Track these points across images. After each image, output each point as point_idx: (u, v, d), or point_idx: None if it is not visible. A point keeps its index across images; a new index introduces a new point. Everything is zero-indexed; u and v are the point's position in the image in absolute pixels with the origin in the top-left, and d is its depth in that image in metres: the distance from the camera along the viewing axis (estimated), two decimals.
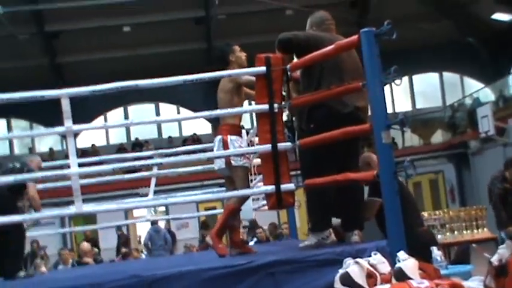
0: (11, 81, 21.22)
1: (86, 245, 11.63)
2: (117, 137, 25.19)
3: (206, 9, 22.71)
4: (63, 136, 23.75)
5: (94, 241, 16.09)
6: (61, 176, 5.28)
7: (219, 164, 5.47)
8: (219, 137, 5.44)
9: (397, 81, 4.20)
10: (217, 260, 4.94)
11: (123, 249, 14.77)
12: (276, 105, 4.88)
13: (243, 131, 7.65)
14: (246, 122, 23.17)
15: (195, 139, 23.48)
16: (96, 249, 14.92)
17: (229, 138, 5.37)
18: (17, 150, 25.16)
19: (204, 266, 4.31)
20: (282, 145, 4.88)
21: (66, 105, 4.78)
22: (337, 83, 4.72)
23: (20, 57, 22.50)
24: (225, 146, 5.34)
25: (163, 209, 20.01)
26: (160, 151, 9.30)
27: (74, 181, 4.80)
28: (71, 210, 5.01)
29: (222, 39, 22.96)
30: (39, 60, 23.32)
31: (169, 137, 24.63)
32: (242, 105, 5.56)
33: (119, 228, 16.96)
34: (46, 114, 21.34)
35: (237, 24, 22.77)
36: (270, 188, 4.88)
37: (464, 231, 8.97)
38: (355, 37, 4.36)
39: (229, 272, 4.16)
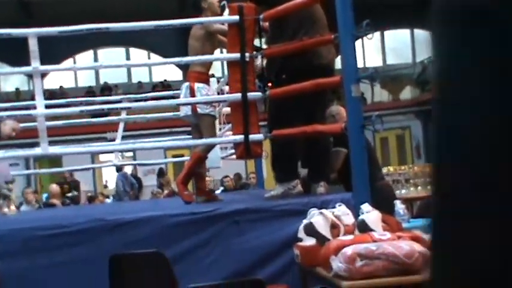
0: None
1: (54, 187, 11.63)
2: (86, 80, 24.89)
3: None
4: (30, 76, 23.51)
5: (74, 184, 15.84)
6: (27, 116, 5.22)
7: (185, 111, 5.45)
8: (186, 84, 5.41)
9: (369, 36, 4.20)
10: (182, 207, 4.96)
11: (88, 194, 14.75)
12: (247, 54, 4.85)
13: (214, 79, 7.63)
14: (217, 70, 23.14)
15: (165, 85, 23.32)
16: (75, 192, 14.79)
17: (197, 85, 5.33)
18: None
19: (169, 212, 4.34)
20: (251, 95, 4.88)
21: (33, 45, 4.70)
22: (312, 35, 4.71)
23: None
24: (192, 93, 5.31)
25: (130, 154, 19.95)
26: (129, 96, 9.22)
27: (40, 122, 4.75)
28: (37, 151, 4.97)
29: None
30: None
31: (139, 82, 24.41)
32: (213, 53, 5.52)
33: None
34: (12, 52, 21.03)
35: None
36: (239, 137, 4.88)
37: (428, 187, 9.10)
38: None
39: (194, 218, 4.19)
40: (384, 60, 26.45)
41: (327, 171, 5.17)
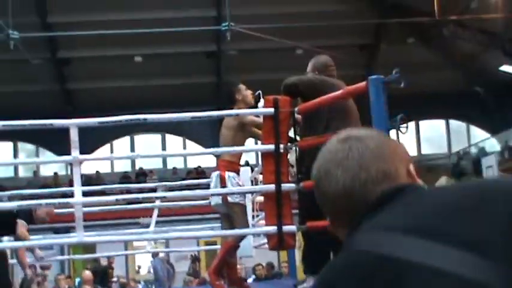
0: (22, 104, 21.43)
1: (87, 274, 11.68)
2: (122, 165, 25.25)
3: (218, 44, 22.93)
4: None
5: (105, 269, 15.85)
6: (65, 204, 5.32)
7: (215, 200, 5.51)
8: (216, 173, 5.49)
9: (403, 130, 4.25)
10: None
11: (122, 280, 14.72)
12: (281, 146, 4.93)
13: (248, 168, 7.71)
14: (251, 158, 23.30)
15: (199, 172, 23.51)
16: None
17: (227, 174, 5.41)
18: (21, 173, 25.24)
19: None
20: (285, 186, 4.92)
21: (74, 135, 4.84)
22: (344, 128, 4.77)
23: (32, 81, 22.69)
24: (223, 182, 5.38)
25: (163, 240, 19.95)
26: (164, 183, 9.33)
27: (77, 210, 4.84)
28: (73, 239, 5.03)
29: (232, 75, 23.20)
30: (51, 85, 23.52)
31: (174, 168, 24.66)
32: (244, 144, 5.63)
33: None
34: (52, 139, 21.52)
35: (247, 60, 22.97)
36: (272, 228, 4.90)
37: None
38: (363, 84, 4.42)
39: None
40: (419, 150, 26.42)
41: None
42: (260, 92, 5.55)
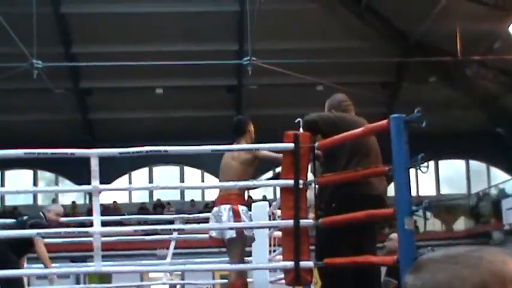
0: (42, 133, 21.62)
1: None
2: (140, 196, 25.31)
3: (239, 78, 23.07)
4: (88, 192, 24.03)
5: None
6: (83, 233, 5.34)
7: (230, 234, 5.52)
8: (228, 206, 5.51)
9: (424, 169, 4.23)
10: None
11: None
12: (301, 181, 4.92)
13: (265, 203, 7.69)
14: (269, 193, 23.20)
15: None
16: None
17: (240, 208, 5.44)
18: (40, 201, 25.37)
19: None
20: (304, 222, 4.90)
21: (95, 165, 4.87)
22: (365, 165, 4.77)
23: (54, 110, 22.93)
24: (237, 216, 5.41)
25: (179, 272, 19.88)
26: (182, 215, 9.34)
27: (95, 239, 4.85)
28: (90, 268, 5.03)
29: (252, 109, 23.27)
30: (72, 115, 23.74)
31: (192, 200, 24.66)
32: (254, 177, 5.69)
33: None
34: (72, 168, 21.69)
35: (267, 95, 23.07)
36: (289, 263, 4.87)
37: None
38: (384, 122, 4.42)
39: None
40: (438, 189, 26.23)
41: None
42: (300, 119, 5.51)
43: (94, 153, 4.87)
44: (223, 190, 5.71)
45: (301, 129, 5.21)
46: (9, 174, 25.52)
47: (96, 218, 4.90)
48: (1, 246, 6.35)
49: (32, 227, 6.57)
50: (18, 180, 24.95)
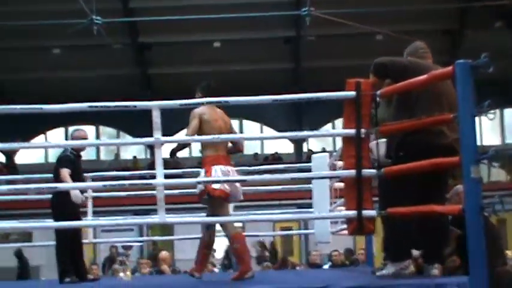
0: (103, 88, 21.94)
1: (163, 253, 11.88)
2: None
3: (296, 30, 22.83)
4: (148, 146, 24.37)
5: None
6: (147, 185, 5.41)
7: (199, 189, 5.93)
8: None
9: (491, 116, 4.11)
10: (292, 281, 4.93)
11: None
12: (363, 130, 4.84)
13: (326, 154, 7.65)
14: (328, 144, 23.13)
15: (276, 157, 23.58)
16: None
17: (214, 168, 5.80)
18: (103, 156, 25.91)
19: (280, 286, 4.31)
20: (366, 171, 4.84)
21: (156, 117, 4.90)
22: (435, 113, 4.64)
23: (113, 66, 23.20)
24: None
25: (240, 225, 20.10)
26: (242, 167, 9.38)
27: (159, 191, 4.91)
28: (155, 219, 5.11)
29: (310, 60, 23.07)
30: (131, 70, 23.98)
31: (256, 153, 24.71)
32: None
33: None
34: (133, 123, 21.98)
35: (326, 46, 22.77)
36: (352, 213, 4.84)
37: None
38: (449, 68, 4.29)
39: None
40: (503, 138, 25.65)
41: (442, 252, 5.00)
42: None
43: (155, 105, 4.90)
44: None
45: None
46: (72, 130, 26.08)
47: (159, 170, 4.95)
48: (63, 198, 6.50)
49: (58, 161, 6.77)
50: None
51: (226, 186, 5.79)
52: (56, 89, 21.78)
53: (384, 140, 5.06)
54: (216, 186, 5.73)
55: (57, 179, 6.62)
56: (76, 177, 6.59)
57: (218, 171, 5.79)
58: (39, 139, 24.89)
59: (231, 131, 6.23)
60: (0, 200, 9.13)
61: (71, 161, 6.68)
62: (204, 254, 6.22)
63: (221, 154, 5.95)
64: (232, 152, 6.22)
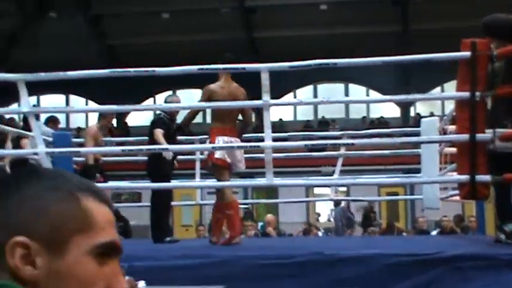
0: (209, 52, 22.17)
1: (269, 216, 12.01)
2: (305, 113, 25.51)
3: None
4: (255, 109, 24.52)
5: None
6: (255, 148, 5.44)
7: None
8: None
9: None
10: (401, 247, 4.85)
11: (303, 226, 14.99)
12: (477, 93, 4.65)
13: (435, 118, 7.44)
14: (437, 108, 22.52)
15: (382, 122, 23.24)
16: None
17: (217, 139, 5.89)
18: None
19: (389, 251, 4.25)
20: (481, 136, 4.66)
21: (265, 79, 4.89)
22: None
23: (220, 29, 23.40)
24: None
25: (344, 189, 20.04)
26: (349, 132, 9.29)
27: (267, 154, 4.92)
28: (262, 181, 5.13)
29: (418, 23, 22.42)
30: (237, 33, 24.10)
31: (364, 117, 24.49)
32: None
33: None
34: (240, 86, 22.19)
35: (435, 7, 22.05)
36: (464, 177, 4.69)
37: None
38: None
39: (414, 260, 4.05)
40: None
41: None
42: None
43: (264, 68, 4.89)
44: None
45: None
46: (181, 94, 26.54)
47: (267, 133, 4.95)
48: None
49: (152, 123, 6.99)
50: (188, 99, 25.89)
51: (226, 157, 5.97)
52: (166, 53, 22.22)
53: None
54: (217, 155, 5.94)
55: (151, 139, 6.80)
56: (169, 139, 6.76)
57: (221, 142, 5.94)
58: (149, 101, 25.54)
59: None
60: (112, 161, 9.43)
61: (164, 123, 6.85)
62: (218, 218, 6.35)
63: (227, 126, 6.04)
64: (243, 127, 6.36)
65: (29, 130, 7.84)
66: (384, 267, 4.02)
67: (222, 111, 5.93)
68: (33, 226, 0.89)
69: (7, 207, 0.91)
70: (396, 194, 18.49)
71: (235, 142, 6.04)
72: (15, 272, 0.88)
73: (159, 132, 6.76)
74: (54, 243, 0.89)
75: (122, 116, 25.01)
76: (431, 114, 19.48)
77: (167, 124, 6.94)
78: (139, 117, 24.79)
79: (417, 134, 7.45)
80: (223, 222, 6.38)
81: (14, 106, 22.67)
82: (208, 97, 6.02)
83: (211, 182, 6.86)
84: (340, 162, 8.44)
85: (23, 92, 5.42)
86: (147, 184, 6.60)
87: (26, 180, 0.94)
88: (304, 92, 25.77)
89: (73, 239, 0.90)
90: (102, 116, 7.75)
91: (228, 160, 5.99)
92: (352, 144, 5.74)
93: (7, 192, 0.92)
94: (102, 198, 0.96)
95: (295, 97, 25.35)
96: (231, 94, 6.04)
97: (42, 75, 5.57)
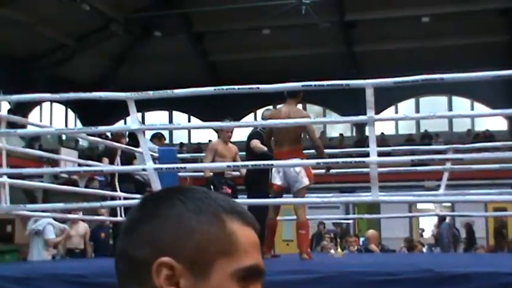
0: (309, 67, 22.25)
1: (371, 232, 11.81)
2: (406, 127, 25.11)
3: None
4: (354, 124, 24.39)
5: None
6: (354, 164, 5.43)
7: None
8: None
9: None
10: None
11: (406, 242, 14.72)
12: None
13: None
14: None
15: (487, 135, 22.54)
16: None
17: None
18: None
19: (501, 269, 4.13)
20: None
21: (370, 95, 4.89)
22: None
23: (319, 45, 23.43)
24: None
25: (447, 204, 19.54)
26: (454, 146, 9.08)
27: (372, 169, 4.90)
28: (368, 197, 5.11)
29: None
30: (337, 48, 24.05)
31: (469, 130, 23.87)
32: None
33: None
34: (338, 101, 22.18)
35: None
36: None
37: None
38: None
39: None
40: None
41: None
42: None
43: (369, 84, 4.88)
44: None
45: None
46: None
47: (372, 147, 4.94)
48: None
49: (249, 137, 7.22)
50: None
51: (277, 181, 6.32)
52: (267, 69, 22.45)
53: None
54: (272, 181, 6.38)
55: (249, 154, 6.94)
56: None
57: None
58: (249, 117, 25.81)
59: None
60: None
61: (261, 136, 6.98)
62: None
63: (283, 150, 6.31)
64: (314, 148, 6.50)
65: (135, 146, 8.16)
66: (497, 286, 3.91)
67: (276, 135, 6.31)
68: (178, 247, 0.92)
69: (153, 226, 0.94)
70: (505, 209, 17.85)
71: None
72: None
73: (257, 141, 6.92)
74: (198, 265, 0.92)
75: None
76: None
77: (262, 136, 7.09)
78: (240, 133, 25.13)
79: None
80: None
81: (119, 123, 23.58)
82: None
83: (314, 198, 6.88)
84: (445, 176, 8.26)
85: (132, 109, 5.61)
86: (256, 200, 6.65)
87: (170, 200, 0.97)
88: (407, 106, 25.38)
89: (217, 262, 0.92)
90: (219, 131, 8.01)
91: (280, 183, 6.29)
92: (461, 159, 5.62)
93: (153, 212, 0.96)
94: (247, 220, 0.98)
95: (396, 111, 25.01)
96: (288, 117, 6.23)
97: (151, 94, 5.74)
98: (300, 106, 7.02)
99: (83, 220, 10.52)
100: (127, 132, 9.47)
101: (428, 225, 20.87)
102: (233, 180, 7.50)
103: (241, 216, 0.98)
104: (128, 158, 8.61)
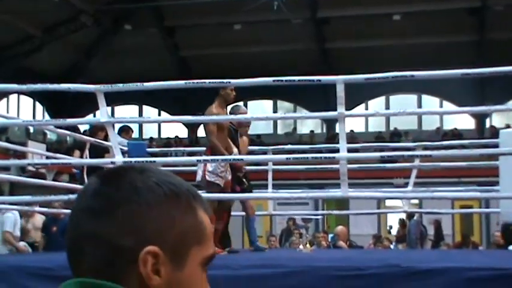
0: (280, 63, 22.26)
1: (340, 228, 11.85)
2: (376, 125, 25.27)
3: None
4: (325, 120, 24.48)
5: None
6: (321, 160, 5.44)
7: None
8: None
9: None
10: (479, 261, 4.75)
11: (373, 238, 14.81)
12: None
13: None
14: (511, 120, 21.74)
15: (456, 134, 22.79)
16: None
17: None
18: (279, 130, 26.39)
19: (468, 264, 4.17)
20: None
21: (340, 91, 4.89)
22: None
23: (291, 41, 23.43)
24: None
25: (416, 201, 19.70)
26: (422, 143, 9.15)
27: (342, 165, 4.91)
28: (337, 193, 5.12)
29: (497, 32, 21.85)
30: (309, 45, 24.08)
31: (438, 128, 24.08)
32: None
33: None
34: (309, 97, 22.17)
35: None
36: None
37: None
38: None
39: (498, 274, 3.95)
40: None
41: None
42: None
43: (340, 79, 4.89)
44: None
45: None
46: (251, 104, 26.79)
47: (342, 144, 4.95)
48: None
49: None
50: (259, 110, 26.04)
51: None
52: (238, 64, 22.41)
53: None
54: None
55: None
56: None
57: None
58: None
59: None
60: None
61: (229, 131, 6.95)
62: None
63: None
64: None
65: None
66: (463, 281, 3.95)
67: None
68: (162, 236, 0.91)
69: (133, 212, 0.92)
70: (471, 207, 18.08)
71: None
72: (146, 280, 0.90)
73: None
74: (178, 254, 0.92)
75: (192, 127, 25.34)
76: (507, 126, 19.00)
77: (232, 135, 6.97)
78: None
79: (494, 146, 7.30)
80: None
81: (89, 117, 23.36)
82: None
83: (284, 193, 6.88)
84: (414, 174, 8.32)
85: (101, 102, 5.56)
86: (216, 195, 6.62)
87: (144, 181, 0.94)
88: (377, 103, 25.53)
89: (191, 251, 0.93)
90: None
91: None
92: (430, 156, 5.67)
93: (129, 194, 0.93)
94: (206, 206, 0.99)
95: (366, 108, 25.15)
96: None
97: (120, 86, 5.71)
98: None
99: (41, 213, 10.30)
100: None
101: (396, 223, 21.04)
102: (246, 176, 7.12)
103: (202, 202, 0.98)
104: (99, 152, 8.49)
